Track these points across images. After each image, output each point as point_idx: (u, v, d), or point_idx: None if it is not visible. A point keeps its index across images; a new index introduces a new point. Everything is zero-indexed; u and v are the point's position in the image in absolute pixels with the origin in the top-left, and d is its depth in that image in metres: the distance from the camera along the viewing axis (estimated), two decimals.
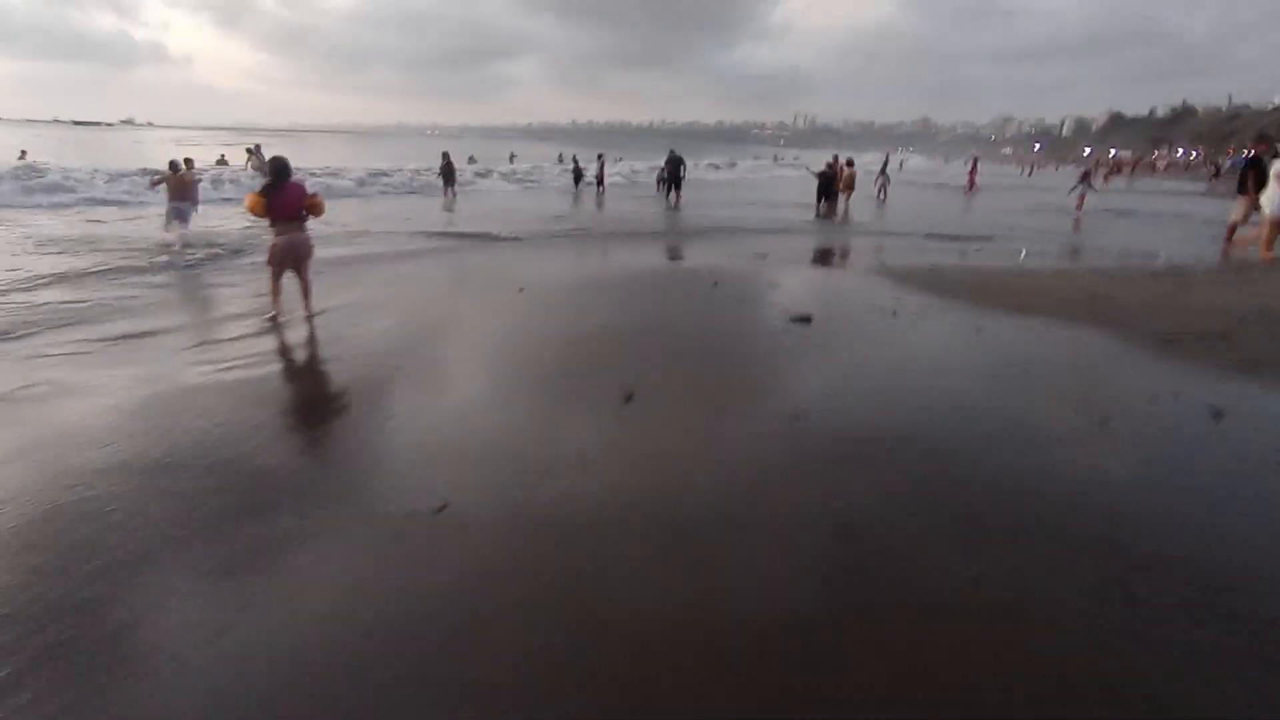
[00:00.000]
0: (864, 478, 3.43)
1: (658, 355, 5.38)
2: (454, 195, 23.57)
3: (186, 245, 10.99)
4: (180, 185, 12.57)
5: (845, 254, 12.22)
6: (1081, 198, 21.48)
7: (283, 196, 6.38)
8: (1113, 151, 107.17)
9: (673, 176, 24.53)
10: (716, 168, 47.59)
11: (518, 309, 6.99)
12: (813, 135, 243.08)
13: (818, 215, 19.72)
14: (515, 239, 12.98)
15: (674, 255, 11.22)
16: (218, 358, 5.34)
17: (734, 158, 68.82)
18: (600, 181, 28.11)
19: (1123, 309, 6.69)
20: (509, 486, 3.37)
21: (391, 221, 14.92)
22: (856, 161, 25.24)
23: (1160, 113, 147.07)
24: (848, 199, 21.67)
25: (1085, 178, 22.32)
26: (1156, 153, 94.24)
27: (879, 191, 27.26)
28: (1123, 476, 3.45)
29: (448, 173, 25.15)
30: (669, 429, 4.03)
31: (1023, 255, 11.33)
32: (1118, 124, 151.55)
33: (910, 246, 12.33)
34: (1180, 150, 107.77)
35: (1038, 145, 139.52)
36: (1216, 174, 48.17)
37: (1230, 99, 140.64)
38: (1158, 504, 3.20)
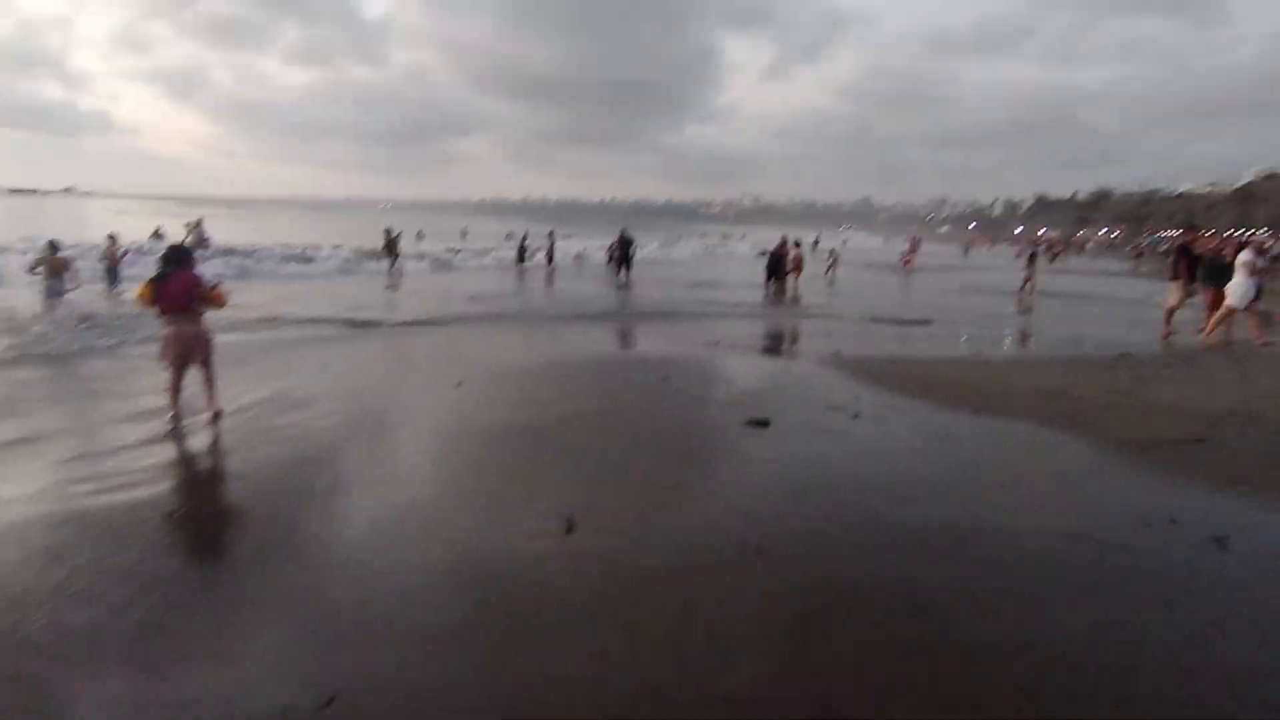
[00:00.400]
0: (843, 644, 2.87)
1: (605, 469, 4.81)
2: (398, 273, 22.94)
3: (74, 325, 10.08)
4: (56, 266, 12.07)
5: (796, 340, 11.93)
6: (1027, 280, 21.35)
7: (172, 286, 5.73)
8: (1042, 230, 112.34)
9: (623, 255, 24.42)
10: (669, 246, 48.02)
11: (451, 410, 6.36)
12: (759, 213, 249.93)
13: (767, 296, 19.63)
14: (457, 322, 12.39)
15: (624, 342, 10.77)
16: (91, 475, 4.57)
17: (683, 235, 70.01)
18: (550, 259, 27.87)
19: (1087, 408, 6.38)
20: (418, 669, 2.71)
21: (323, 304, 14.20)
22: (802, 240, 25.59)
23: (1081, 195, 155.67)
24: (797, 279, 21.70)
25: (1032, 260, 22.24)
26: (1082, 232, 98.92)
27: (828, 270, 27.55)
28: (1149, 643, 2.95)
29: (391, 249, 24.58)
30: (616, 576, 3.42)
31: (964, 339, 11.18)
32: (1044, 205, 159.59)
33: (859, 332, 12.12)
34: (1104, 229, 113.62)
35: (973, 224, 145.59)
36: (1139, 254, 51.16)
37: (1142, 185, 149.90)
38: (1197, 668, 2.70)
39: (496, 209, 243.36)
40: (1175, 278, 12.52)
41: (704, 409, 6.43)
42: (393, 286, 19.42)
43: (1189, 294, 12.54)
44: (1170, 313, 12.65)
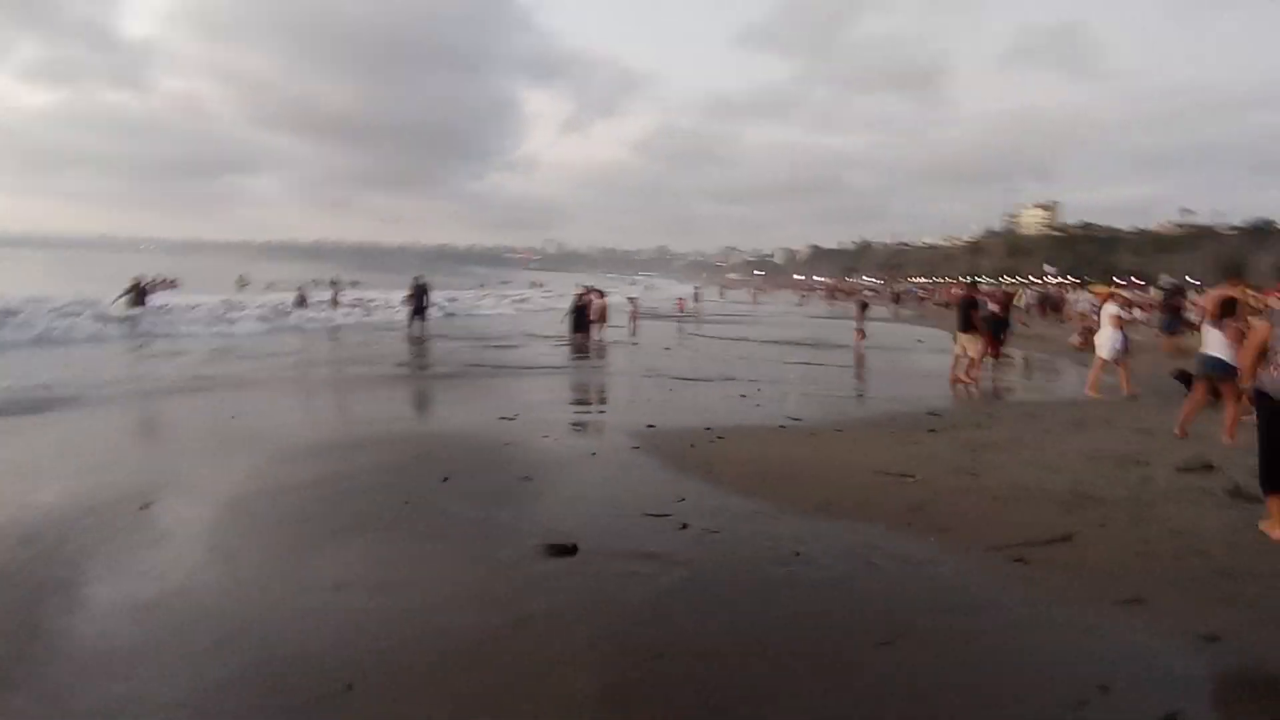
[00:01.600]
0: None
1: (346, 663, 3.02)
2: (136, 324, 19.07)
3: None
4: None
5: (604, 405, 10.62)
6: (859, 333, 20.89)
7: None
8: (815, 277, 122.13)
9: (418, 304, 22.20)
10: (472, 292, 45.86)
11: (118, 571, 4.21)
12: (563, 259, 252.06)
13: (572, 350, 18.33)
14: (197, 391, 9.81)
15: (401, 417, 8.84)
16: None
17: (485, 281, 67.81)
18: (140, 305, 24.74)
19: (940, 500, 5.47)
20: None
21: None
22: (605, 287, 24.75)
23: (848, 247, 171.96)
24: (601, 331, 20.65)
25: (864, 309, 21.90)
26: (848, 279, 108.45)
27: (632, 318, 26.89)
28: None
29: (138, 299, 20.64)
30: None
31: (783, 400, 10.45)
32: (818, 255, 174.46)
33: (668, 395, 11.04)
34: (866, 276, 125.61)
35: (757, 272, 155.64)
36: (896, 299, 56.82)
37: (895, 238, 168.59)
38: None
39: (287, 251, 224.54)
40: (967, 329, 12.79)
41: (490, 527, 4.77)
42: (137, 348, 15.85)
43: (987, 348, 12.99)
44: (964, 361, 12.91)
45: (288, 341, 18.15)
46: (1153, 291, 54.45)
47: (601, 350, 18.08)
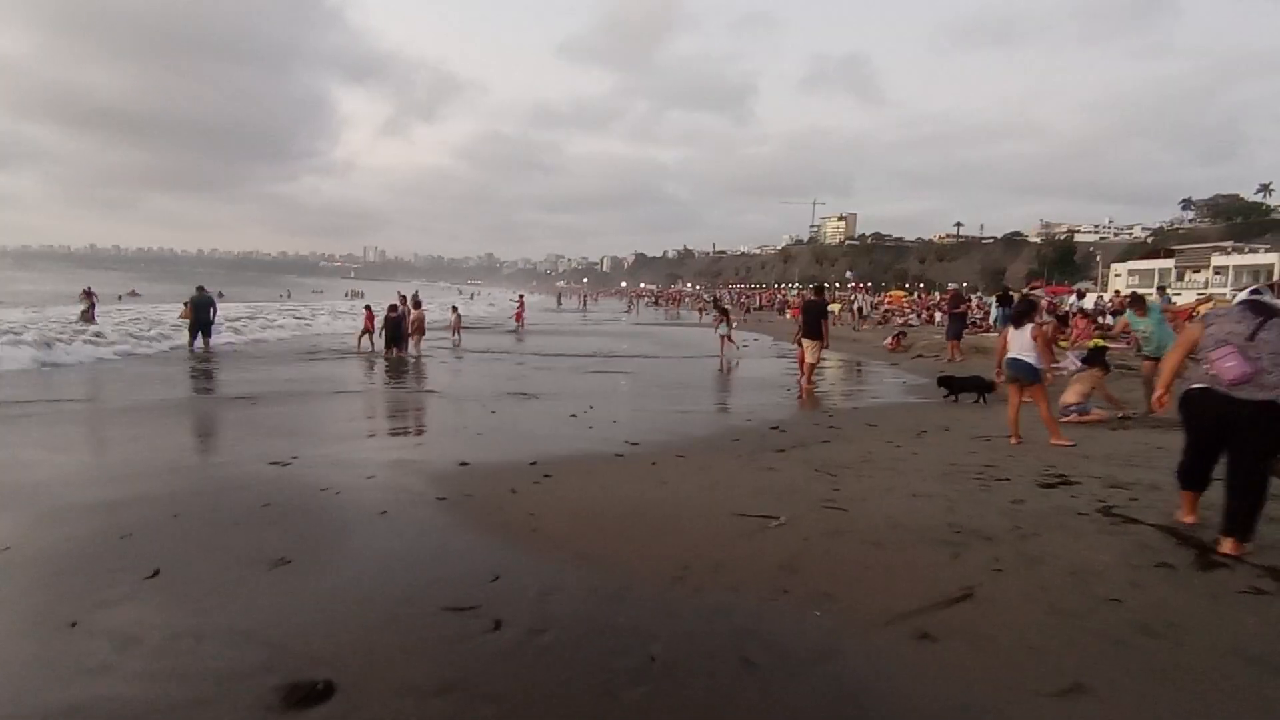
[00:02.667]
0: None
1: None
2: None
3: None
4: None
5: (410, 434, 8.98)
6: (724, 339, 19.49)
7: None
8: (641, 285, 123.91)
9: (200, 321, 19.09)
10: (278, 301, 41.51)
11: None
12: (384, 268, 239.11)
13: (384, 368, 16.31)
14: None
15: (124, 471, 6.69)
16: None
17: (291, 291, 62.14)
18: (89, 319, 20.88)
19: (811, 551, 4.51)
20: None
21: None
22: (436, 296, 22.65)
23: (671, 254, 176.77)
24: (418, 344, 18.67)
25: (726, 317, 20.54)
26: (674, 286, 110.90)
27: (454, 330, 24.94)
28: None
29: None
30: None
31: (614, 422, 9.35)
32: (643, 262, 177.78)
33: (486, 420, 9.61)
34: (689, 283, 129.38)
35: (585, 279, 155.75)
36: (715, 304, 58.09)
37: (714, 246, 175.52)
38: None
39: (49, 259, 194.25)
40: (814, 335, 12.62)
41: (200, 663, 3.15)
42: None
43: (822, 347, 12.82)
44: (811, 368, 12.77)
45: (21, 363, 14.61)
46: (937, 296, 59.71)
47: (418, 367, 16.20)
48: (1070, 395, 9.19)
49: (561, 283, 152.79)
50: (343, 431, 8.87)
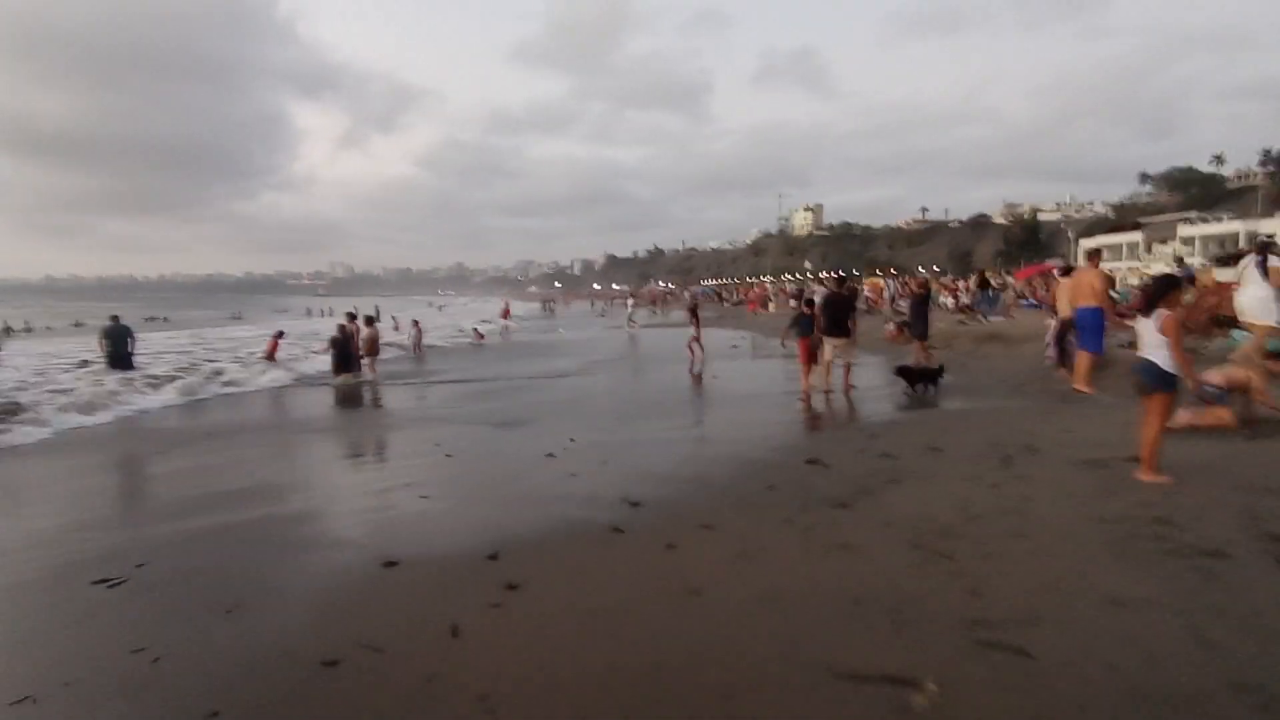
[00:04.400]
0: None
1: None
2: None
3: None
4: None
5: (317, 503, 6.66)
6: (694, 340, 16.84)
7: None
8: (614, 285, 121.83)
9: (117, 354, 16.54)
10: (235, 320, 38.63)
11: None
12: (353, 283, 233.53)
13: (334, 393, 13.95)
14: None
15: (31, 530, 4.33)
16: None
17: (241, 312, 59.15)
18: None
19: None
20: None
21: None
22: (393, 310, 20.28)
23: (641, 254, 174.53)
24: (372, 365, 16.25)
25: (695, 315, 18.08)
26: (647, 285, 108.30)
27: (415, 348, 22.59)
28: None
29: None
30: None
31: (566, 445, 7.13)
32: (614, 263, 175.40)
33: (438, 470, 7.36)
34: (660, 282, 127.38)
35: (557, 284, 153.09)
36: (694, 304, 55.26)
37: (684, 243, 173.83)
38: None
39: (8, 291, 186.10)
40: (840, 333, 11.21)
41: None
42: None
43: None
44: (835, 369, 11.10)
45: None
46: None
47: (362, 395, 13.80)
48: (1217, 376, 7.03)
49: (534, 288, 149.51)
50: (274, 486, 6.53)
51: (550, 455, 7.53)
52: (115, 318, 16.89)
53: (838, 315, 11.24)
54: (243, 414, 11.95)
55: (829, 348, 11.14)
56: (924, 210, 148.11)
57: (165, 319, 54.17)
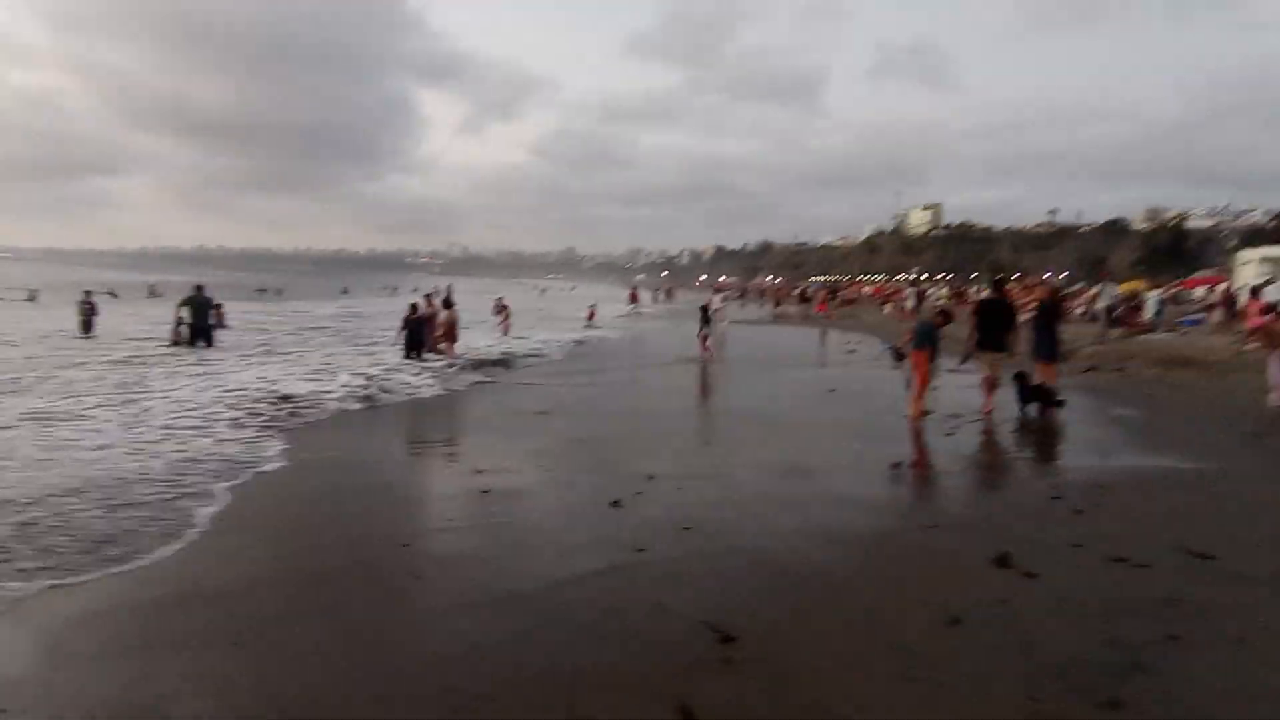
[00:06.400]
0: None
1: None
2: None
3: None
4: None
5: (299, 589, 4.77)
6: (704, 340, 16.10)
7: None
8: (721, 277, 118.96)
9: (199, 324, 15.80)
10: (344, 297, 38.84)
11: None
12: (466, 263, 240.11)
13: (412, 375, 12.41)
14: None
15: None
16: None
17: (349, 285, 59.62)
18: (86, 328, 17.73)
19: None
20: None
21: None
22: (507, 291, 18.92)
23: (750, 247, 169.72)
24: (450, 350, 14.69)
25: (712, 315, 16.95)
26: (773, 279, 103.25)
27: (502, 325, 21.07)
28: None
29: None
30: None
31: (642, 488, 4.93)
32: (722, 255, 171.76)
33: (469, 511, 5.38)
34: (769, 275, 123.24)
35: (665, 273, 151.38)
36: (804, 299, 49.04)
37: (794, 238, 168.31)
38: None
39: (165, 260, 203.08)
40: (991, 346, 8.47)
41: None
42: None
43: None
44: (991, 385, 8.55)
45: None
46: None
47: (440, 383, 12.10)
48: None
49: (641, 276, 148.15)
50: (306, 523, 4.76)
51: (615, 504, 5.40)
52: (199, 287, 16.10)
53: (994, 324, 8.81)
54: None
55: (984, 364, 8.89)
56: (1053, 212, 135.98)
57: (279, 291, 54.38)
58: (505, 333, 20.29)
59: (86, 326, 17.72)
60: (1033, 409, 8.90)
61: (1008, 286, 11.60)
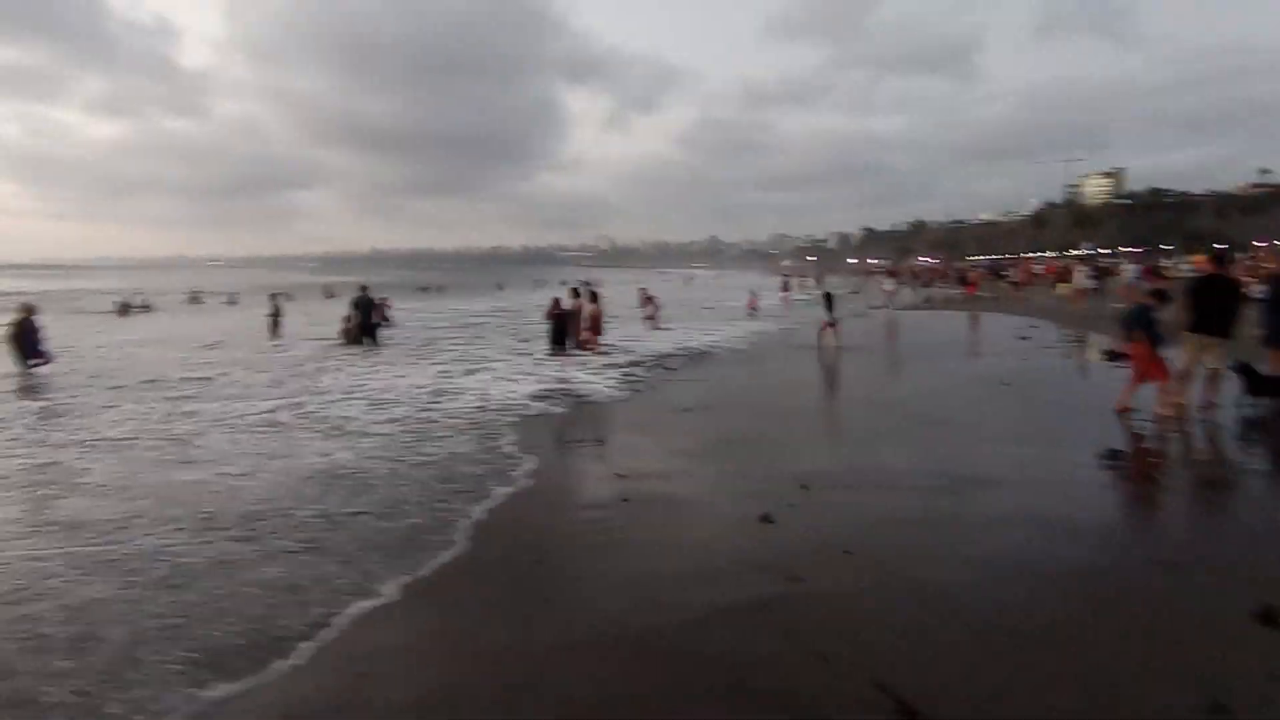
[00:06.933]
0: None
1: None
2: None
3: None
4: None
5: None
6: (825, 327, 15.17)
7: None
8: (872, 261, 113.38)
9: (365, 323, 16.81)
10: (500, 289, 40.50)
11: None
12: (616, 255, 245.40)
13: (556, 369, 12.42)
14: None
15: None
16: None
17: (504, 283, 61.43)
18: (275, 329, 19.22)
19: None
20: None
21: None
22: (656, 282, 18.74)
23: (901, 227, 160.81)
24: (593, 344, 14.58)
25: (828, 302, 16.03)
26: (939, 261, 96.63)
27: (650, 318, 20.79)
28: None
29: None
30: None
31: (781, 513, 4.25)
32: (872, 237, 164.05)
33: (543, 579, 4.99)
34: (923, 256, 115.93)
35: (809, 257, 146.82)
36: (963, 280, 43.70)
37: (949, 216, 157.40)
38: None
39: (345, 263, 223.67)
40: (1210, 329, 7.42)
41: None
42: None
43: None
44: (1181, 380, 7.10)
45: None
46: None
47: (587, 362, 11.96)
48: None
49: (787, 262, 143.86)
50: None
51: (766, 520, 4.83)
52: (364, 288, 17.08)
53: (1215, 305, 7.30)
54: None
55: (1195, 349, 7.45)
56: (1265, 172, 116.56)
57: (440, 288, 56.72)
58: (655, 326, 19.96)
59: (275, 328, 19.26)
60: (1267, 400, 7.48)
61: (1229, 262, 9.78)
